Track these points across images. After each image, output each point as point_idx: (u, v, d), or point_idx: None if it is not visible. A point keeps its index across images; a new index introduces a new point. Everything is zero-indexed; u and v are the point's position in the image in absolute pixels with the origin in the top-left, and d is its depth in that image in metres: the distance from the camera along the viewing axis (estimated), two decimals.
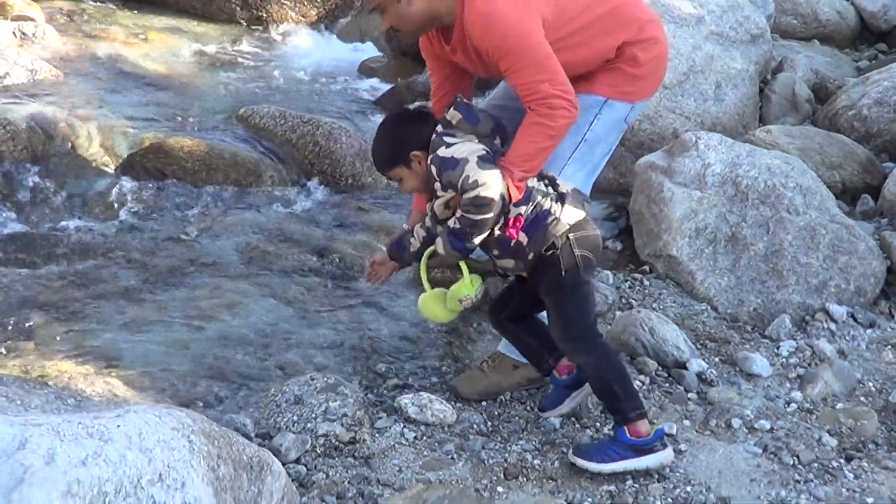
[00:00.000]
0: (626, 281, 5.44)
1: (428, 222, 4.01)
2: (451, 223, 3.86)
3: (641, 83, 4.25)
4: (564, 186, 3.91)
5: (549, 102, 3.81)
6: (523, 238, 3.80)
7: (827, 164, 6.46)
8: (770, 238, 5.29)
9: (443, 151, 3.80)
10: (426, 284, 4.12)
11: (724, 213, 5.37)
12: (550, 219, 3.80)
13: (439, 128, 3.90)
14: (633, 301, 5.22)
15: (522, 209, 3.80)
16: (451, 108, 3.92)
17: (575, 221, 3.84)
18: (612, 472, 3.80)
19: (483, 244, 3.88)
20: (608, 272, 5.47)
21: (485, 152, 3.79)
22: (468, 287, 3.95)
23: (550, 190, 3.87)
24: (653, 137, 6.55)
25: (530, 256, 3.83)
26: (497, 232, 3.81)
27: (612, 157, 4.56)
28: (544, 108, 3.82)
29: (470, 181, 3.70)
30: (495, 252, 3.89)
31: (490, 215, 3.74)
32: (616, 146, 4.47)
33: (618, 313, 5.04)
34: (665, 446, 3.85)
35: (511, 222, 3.79)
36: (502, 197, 3.74)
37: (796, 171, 5.55)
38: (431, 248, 4.04)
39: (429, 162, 3.85)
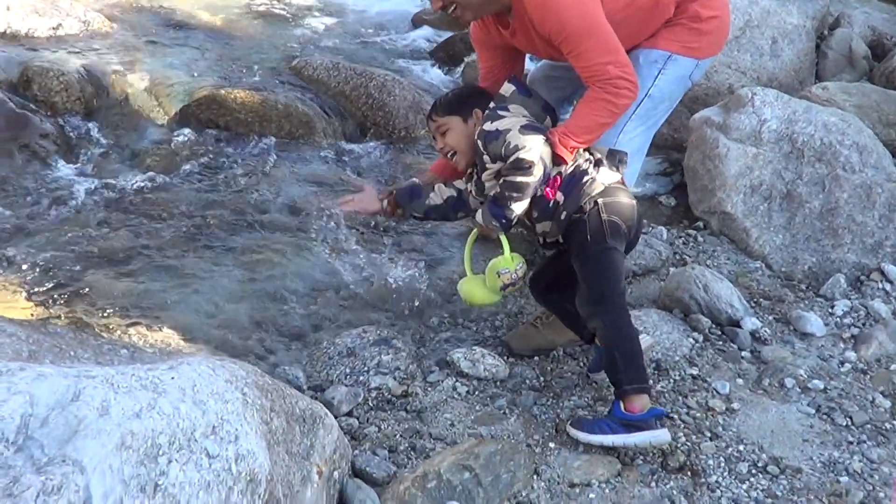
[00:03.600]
0: (680, 237, 5.40)
1: (469, 187, 4.07)
2: (492, 191, 3.91)
3: (706, 39, 4.22)
4: (599, 152, 3.95)
5: (615, 83, 3.83)
6: (560, 197, 3.83)
7: (884, 122, 6.37)
8: (825, 196, 5.24)
9: (488, 125, 3.87)
10: (468, 269, 4.15)
11: (780, 171, 5.32)
12: (586, 178, 3.83)
13: (493, 103, 3.98)
14: (687, 257, 5.19)
15: (561, 168, 3.84)
16: (506, 83, 4.02)
17: (609, 184, 3.85)
18: (600, 444, 3.64)
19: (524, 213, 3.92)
20: (662, 228, 5.45)
21: (527, 122, 3.86)
22: (508, 261, 3.94)
23: (587, 154, 3.92)
24: (708, 93, 6.50)
25: (563, 216, 3.84)
26: (536, 193, 3.84)
27: None
28: (610, 86, 3.83)
29: (511, 146, 3.76)
30: (534, 214, 3.92)
31: (530, 178, 3.78)
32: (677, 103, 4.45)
33: (671, 269, 5.01)
34: (660, 426, 3.68)
35: (550, 182, 3.83)
36: (543, 162, 3.78)
37: (853, 129, 5.48)
38: (474, 232, 4.09)
39: (476, 136, 3.92)
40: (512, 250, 3.96)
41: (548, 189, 3.84)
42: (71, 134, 5.93)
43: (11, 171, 5.48)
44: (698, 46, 4.22)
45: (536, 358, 4.30)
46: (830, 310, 4.83)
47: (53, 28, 6.87)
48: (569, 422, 3.78)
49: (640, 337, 3.90)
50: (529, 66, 4.81)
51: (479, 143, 3.88)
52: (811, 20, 7.31)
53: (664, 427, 3.69)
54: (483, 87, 4.33)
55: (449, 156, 4.15)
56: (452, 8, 4.03)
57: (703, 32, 4.20)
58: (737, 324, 4.56)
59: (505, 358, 4.25)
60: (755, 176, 5.31)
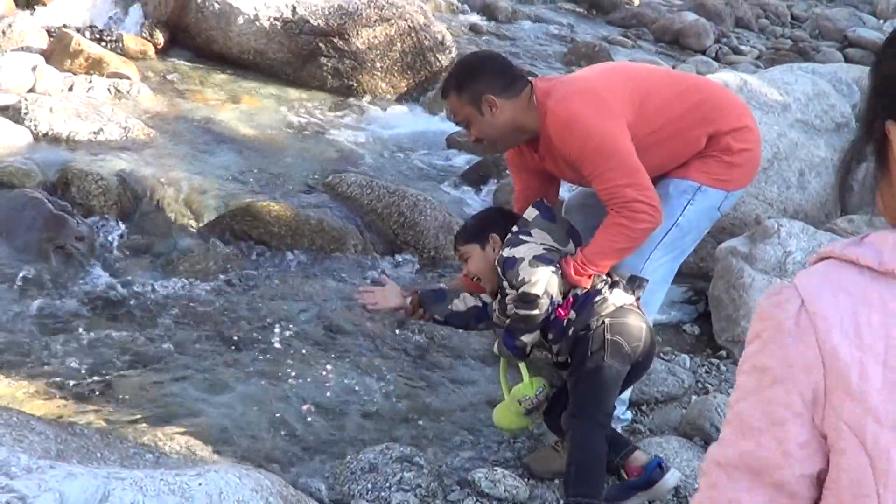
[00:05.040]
0: (703, 366, 5.43)
1: (495, 305, 4.16)
2: (507, 321, 4.00)
3: (737, 171, 4.26)
4: (619, 276, 4.01)
5: (632, 206, 3.86)
6: (572, 315, 3.90)
7: None
8: None
9: (507, 252, 3.95)
10: (506, 394, 4.22)
11: None
12: (598, 297, 3.90)
13: (516, 227, 4.03)
14: (710, 386, 5.22)
15: (577, 290, 3.93)
16: (530, 207, 4.08)
17: (620, 305, 3.91)
18: None
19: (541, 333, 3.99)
20: (685, 356, 5.48)
21: (543, 252, 3.90)
22: (527, 388, 4.06)
23: (605, 276, 3.98)
24: (734, 223, 6.54)
25: (570, 333, 3.90)
26: (550, 316, 3.92)
27: None
28: (627, 210, 3.86)
29: (519, 279, 3.84)
30: (550, 336, 3.99)
31: (535, 312, 3.86)
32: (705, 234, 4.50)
33: (693, 397, 5.03)
34: None
35: (564, 303, 3.89)
36: (548, 294, 3.84)
37: None
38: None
39: (496, 261, 4.00)
40: (533, 374, 4.03)
41: (561, 310, 3.92)
42: (106, 237, 6.01)
43: (46, 271, 5.55)
44: (729, 179, 4.26)
45: (557, 481, 4.29)
46: None
47: (94, 132, 6.98)
48: None
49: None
50: (564, 193, 4.87)
51: (499, 269, 3.97)
52: (838, 153, 7.37)
53: None
54: (516, 208, 4.40)
55: (475, 280, 4.23)
56: (485, 140, 4.15)
57: (734, 165, 4.24)
58: None
59: (526, 479, 4.25)
60: None
